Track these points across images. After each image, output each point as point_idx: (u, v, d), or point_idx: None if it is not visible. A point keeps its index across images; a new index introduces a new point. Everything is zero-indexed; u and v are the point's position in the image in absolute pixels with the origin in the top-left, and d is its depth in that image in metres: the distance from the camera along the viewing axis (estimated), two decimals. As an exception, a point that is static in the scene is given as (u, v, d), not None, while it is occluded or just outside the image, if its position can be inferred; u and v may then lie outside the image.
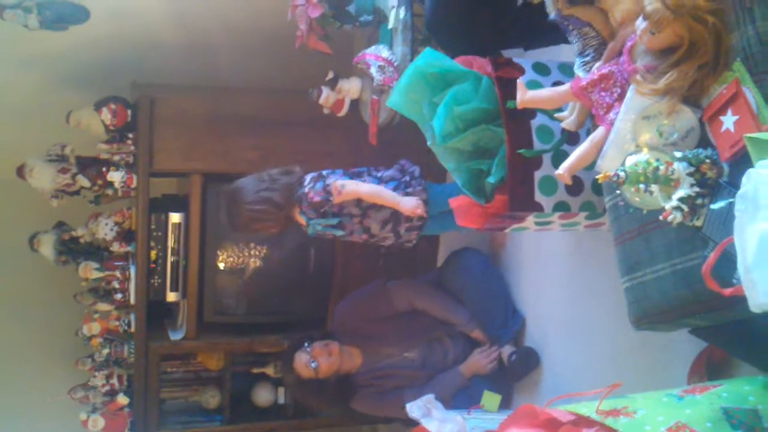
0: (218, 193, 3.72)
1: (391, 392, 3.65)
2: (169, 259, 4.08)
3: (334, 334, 3.73)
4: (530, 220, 2.61)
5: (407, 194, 3.30)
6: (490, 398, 3.27)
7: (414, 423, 3.07)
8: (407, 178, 3.39)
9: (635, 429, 1.60)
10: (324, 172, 3.34)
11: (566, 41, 2.15)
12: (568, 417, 1.74)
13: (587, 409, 1.72)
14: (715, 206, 1.58)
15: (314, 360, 3.54)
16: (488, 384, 3.45)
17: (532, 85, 2.46)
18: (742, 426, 1.59)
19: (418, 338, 3.68)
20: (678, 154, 1.62)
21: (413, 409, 3.01)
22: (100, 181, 4.05)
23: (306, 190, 3.28)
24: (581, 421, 1.71)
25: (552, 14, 2.05)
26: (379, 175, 3.41)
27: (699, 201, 1.60)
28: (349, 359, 3.66)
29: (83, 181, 4.02)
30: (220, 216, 3.63)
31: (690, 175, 1.60)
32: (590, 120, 2.11)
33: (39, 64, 4.15)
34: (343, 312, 3.84)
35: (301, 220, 3.35)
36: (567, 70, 2.60)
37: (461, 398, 3.48)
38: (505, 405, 3.37)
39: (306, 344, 3.58)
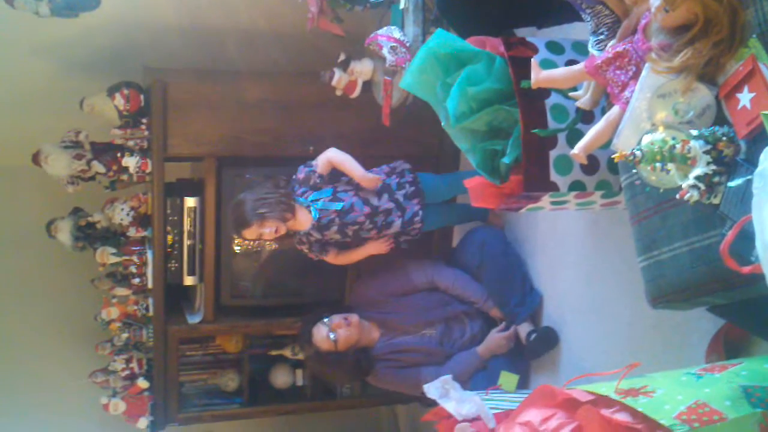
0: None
1: (408, 369, 3.67)
2: (186, 243, 4.09)
3: (352, 309, 3.75)
4: (546, 199, 2.60)
5: (401, 185, 3.63)
6: (508, 378, 3.28)
7: (432, 403, 3.08)
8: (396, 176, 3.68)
9: (655, 408, 1.60)
10: None
11: (579, 19, 2.14)
12: (587, 397, 1.75)
13: (606, 388, 1.73)
14: (732, 184, 1.57)
15: (333, 332, 3.56)
16: (506, 364, 3.46)
17: (546, 64, 2.45)
18: (762, 404, 1.59)
19: (437, 316, 3.69)
20: (694, 132, 1.61)
21: (431, 389, 3.02)
22: (115, 167, 4.06)
23: (293, 177, 3.59)
24: (600, 400, 1.72)
25: (565, -7, 2.04)
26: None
27: (716, 179, 1.59)
28: (368, 333, 3.68)
29: (98, 166, 4.03)
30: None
31: (707, 153, 1.59)
32: (605, 98, 2.10)
33: (51, 51, 4.16)
34: (361, 287, 3.87)
35: (304, 211, 3.48)
36: (581, 48, 2.58)
37: (479, 378, 3.49)
38: (522, 385, 3.38)
39: (325, 317, 3.60)
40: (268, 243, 4.03)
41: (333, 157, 3.55)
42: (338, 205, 3.51)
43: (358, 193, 3.55)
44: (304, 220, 3.53)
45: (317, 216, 3.51)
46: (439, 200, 3.72)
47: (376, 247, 3.64)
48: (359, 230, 3.57)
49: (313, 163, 3.58)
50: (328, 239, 3.59)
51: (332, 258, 3.69)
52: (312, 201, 3.53)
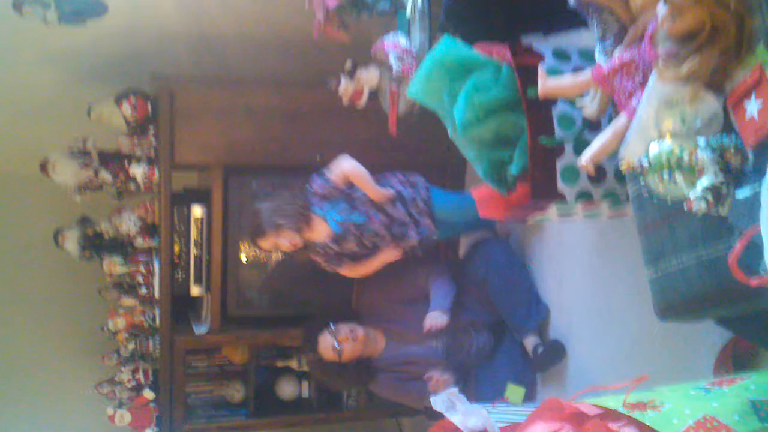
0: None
1: (413, 381, 3.64)
2: (193, 252, 4.09)
3: (359, 314, 3.72)
4: (553, 209, 2.58)
5: (414, 201, 3.58)
6: (514, 391, 3.26)
7: (438, 416, 3.05)
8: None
9: (662, 422, 1.58)
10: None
11: (586, 26, 2.12)
12: (594, 410, 1.72)
13: (614, 402, 1.71)
14: (740, 194, 1.55)
15: (339, 344, 3.54)
16: (512, 376, 3.44)
17: (553, 71, 2.43)
18: (771, 418, 1.57)
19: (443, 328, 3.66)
20: (701, 142, 1.59)
21: (437, 402, 2.99)
22: (122, 176, 4.06)
23: (308, 187, 3.56)
24: (608, 414, 1.69)
25: (571, 1, 2.02)
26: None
27: (724, 189, 1.57)
28: (373, 344, 3.67)
29: (105, 175, 4.03)
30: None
31: (714, 162, 1.56)
32: (612, 107, 2.08)
33: (58, 59, 4.17)
34: (368, 294, 3.84)
35: (321, 222, 3.48)
36: (587, 55, 2.56)
37: (485, 391, 3.46)
38: (529, 398, 3.36)
39: (332, 325, 3.57)
40: (276, 253, 4.02)
41: (347, 170, 3.52)
42: (359, 219, 3.50)
43: (374, 204, 3.53)
44: (321, 231, 3.52)
45: (337, 229, 3.50)
46: (450, 221, 3.69)
47: (390, 254, 3.61)
48: (377, 241, 3.55)
49: (328, 174, 3.56)
50: (346, 251, 3.58)
51: (347, 270, 3.67)
52: (328, 212, 3.51)
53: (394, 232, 3.55)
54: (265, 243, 3.50)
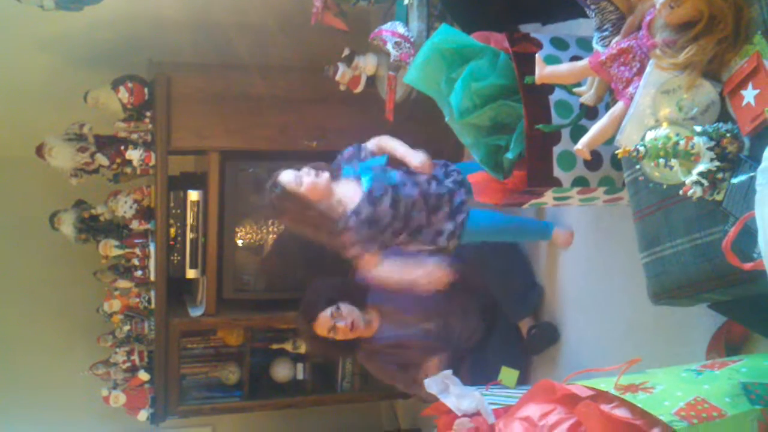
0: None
1: (404, 367, 3.65)
2: (189, 236, 4.10)
3: (361, 287, 3.67)
4: (549, 195, 2.60)
5: (448, 173, 3.40)
6: (508, 374, 3.27)
7: (431, 398, 3.08)
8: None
9: (654, 404, 1.60)
10: None
11: (584, 15, 2.14)
12: (586, 392, 1.75)
13: (606, 384, 1.73)
14: (735, 180, 1.57)
15: (335, 330, 3.51)
16: (506, 359, 3.46)
17: (550, 59, 2.44)
18: (761, 401, 1.60)
19: (437, 311, 3.66)
20: (698, 129, 1.61)
21: (431, 385, 3.01)
22: (118, 160, 4.07)
23: (340, 157, 3.42)
24: (600, 396, 1.72)
25: (570, -11, 2.04)
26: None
27: (719, 175, 1.59)
28: (368, 326, 3.64)
29: (102, 159, 4.04)
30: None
31: (710, 149, 1.59)
32: (609, 95, 2.10)
33: (55, 44, 4.17)
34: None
35: (351, 183, 3.35)
36: (585, 44, 2.59)
37: (478, 374, 3.48)
38: (522, 380, 3.38)
39: (338, 307, 3.51)
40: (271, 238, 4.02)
41: (384, 139, 3.38)
42: (393, 179, 3.27)
43: (408, 175, 3.34)
44: (352, 192, 3.25)
45: (369, 186, 3.23)
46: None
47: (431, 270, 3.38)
48: (411, 209, 3.27)
49: (363, 144, 3.40)
50: (379, 217, 3.25)
51: (372, 259, 3.28)
52: (362, 171, 3.31)
53: (429, 202, 3.29)
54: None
